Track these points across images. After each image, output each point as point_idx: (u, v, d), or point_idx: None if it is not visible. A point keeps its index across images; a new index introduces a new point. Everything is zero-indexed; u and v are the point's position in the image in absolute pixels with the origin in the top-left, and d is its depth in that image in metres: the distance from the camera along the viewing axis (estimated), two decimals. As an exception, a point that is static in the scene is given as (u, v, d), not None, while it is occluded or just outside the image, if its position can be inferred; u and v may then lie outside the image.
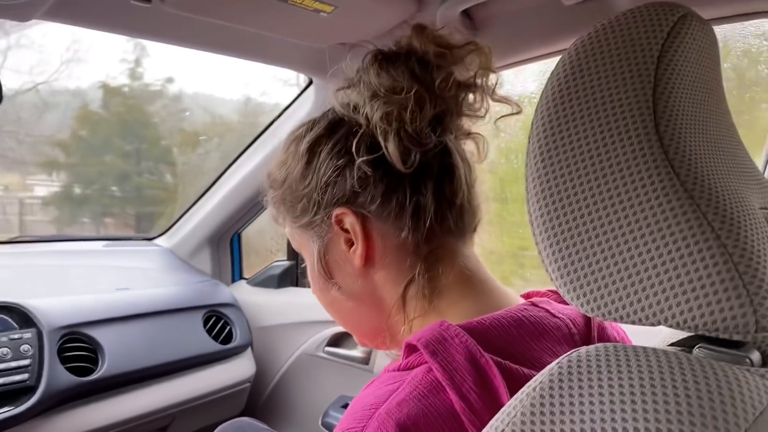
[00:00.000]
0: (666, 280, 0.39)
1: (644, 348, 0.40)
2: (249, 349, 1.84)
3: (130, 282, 1.72)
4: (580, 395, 0.38)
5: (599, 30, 0.45)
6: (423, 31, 0.65)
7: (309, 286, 1.87)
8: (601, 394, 0.37)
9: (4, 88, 1.01)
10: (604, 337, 0.68)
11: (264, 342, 1.89)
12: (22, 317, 1.31)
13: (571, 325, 0.64)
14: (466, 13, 1.12)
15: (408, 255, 0.65)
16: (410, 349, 0.57)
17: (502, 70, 1.20)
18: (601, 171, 0.41)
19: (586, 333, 0.65)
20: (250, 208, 1.87)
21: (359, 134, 0.64)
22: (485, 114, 0.69)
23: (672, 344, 0.48)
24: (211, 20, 1.10)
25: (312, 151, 0.67)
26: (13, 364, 1.23)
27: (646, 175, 0.40)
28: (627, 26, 0.44)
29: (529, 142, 0.46)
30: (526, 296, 0.71)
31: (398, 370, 0.57)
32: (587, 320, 0.67)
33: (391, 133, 0.61)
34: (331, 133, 0.66)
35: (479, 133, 0.70)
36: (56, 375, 1.28)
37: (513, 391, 0.50)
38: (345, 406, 1.58)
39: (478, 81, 0.66)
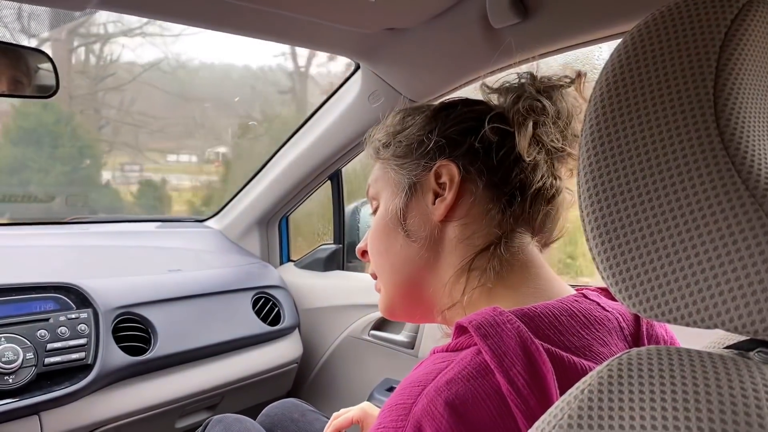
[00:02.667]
0: (724, 282, 0.37)
1: (699, 351, 0.38)
2: (296, 331, 1.87)
3: (182, 263, 1.76)
4: (631, 399, 0.37)
5: (657, 16, 0.43)
6: (582, 77, 0.71)
7: (354, 270, 1.90)
8: (652, 399, 0.36)
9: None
10: (652, 333, 0.68)
11: (310, 324, 1.91)
12: (79, 297, 1.36)
13: (621, 319, 0.65)
14: (518, -4, 1.09)
15: (489, 226, 0.68)
16: (460, 330, 0.58)
17: (554, 55, 1.16)
18: (657, 167, 0.39)
19: (635, 328, 0.66)
20: (298, 192, 1.89)
21: (495, 111, 0.70)
22: None
23: (728, 347, 0.46)
24: (260, 7, 1.10)
25: (444, 108, 0.73)
26: (71, 342, 1.28)
27: (705, 173, 0.37)
28: (687, 12, 0.41)
29: (581, 135, 0.45)
30: (578, 290, 0.71)
31: (447, 350, 0.59)
32: (636, 316, 0.67)
33: (529, 122, 0.66)
34: (467, 105, 0.73)
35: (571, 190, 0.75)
36: (111, 354, 1.33)
37: (560, 377, 0.53)
38: (390, 389, 1.59)
39: None
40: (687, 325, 0.39)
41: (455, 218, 0.69)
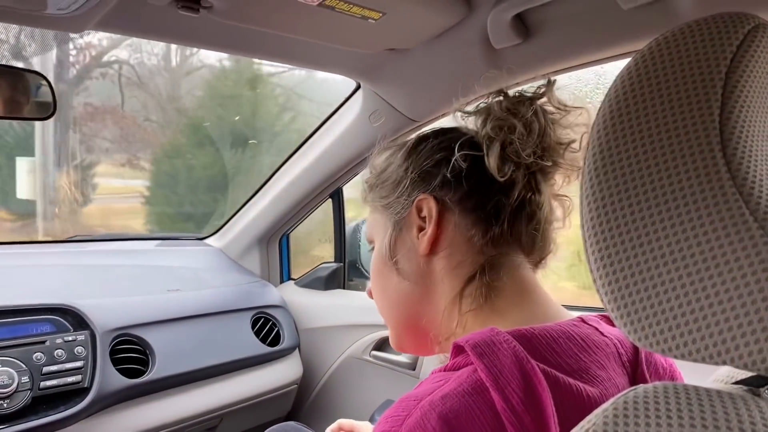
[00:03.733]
0: (733, 318, 0.36)
1: (707, 389, 0.37)
2: (296, 351, 1.85)
3: (181, 282, 1.74)
4: None
5: (662, 41, 0.42)
6: (552, 84, 0.71)
7: (356, 289, 1.88)
8: None
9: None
10: (651, 360, 0.68)
11: (311, 344, 1.89)
12: (76, 319, 1.34)
13: (620, 346, 0.65)
14: (518, 17, 1.08)
15: (473, 252, 0.69)
16: (458, 350, 0.59)
17: (555, 75, 1.16)
18: (663, 197, 0.38)
19: (634, 355, 0.67)
20: (299, 210, 1.88)
21: (466, 137, 0.71)
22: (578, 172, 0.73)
23: (737, 382, 0.45)
24: (262, 29, 1.09)
25: (419, 142, 0.74)
26: (68, 365, 1.26)
27: (712, 203, 0.36)
28: (692, 38, 0.40)
29: (584, 161, 0.44)
30: (578, 316, 0.71)
31: (445, 370, 0.59)
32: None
33: (497, 141, 0.67)
34: (438, 135, 0.74)
35: (567, 196, 0.75)
36: (108, 376, 1.31)
37: (556, 398, 0.53)
38: (391, 411, 1.57)
39: (581, 142, 0.71)
40: (695, 360, 0.38)
41: (440, 250, 0.70)
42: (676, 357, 0.39)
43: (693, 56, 0.40)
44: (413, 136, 0.77)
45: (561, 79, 1.07)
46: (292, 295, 1.96)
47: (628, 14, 0.97)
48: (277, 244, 2.04)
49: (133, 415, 1.36)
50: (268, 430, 1.31)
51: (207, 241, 2.10)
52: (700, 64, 0.39)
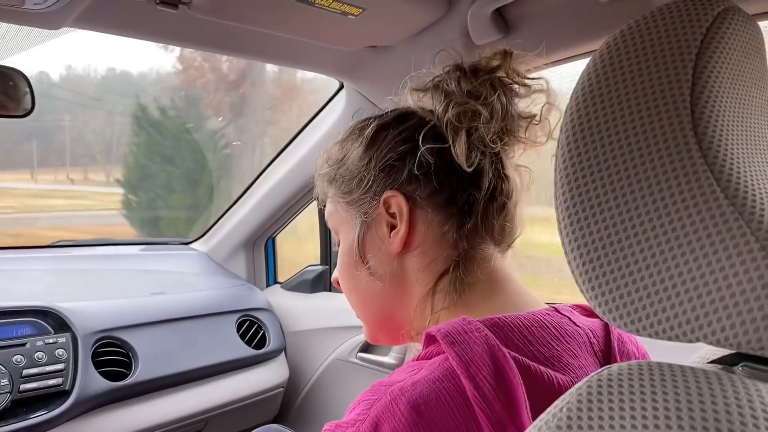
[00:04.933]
0: (705, 294, 0.36)
1: (681, 366, 0.37)
2: (282, 354, 1.84)
3: (166, 286, 1.73)
4: (611, 417, 0.35)
5: (633, 26, 0.42)
6: (509, 55, 0.69)
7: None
8: (633, 417, 0.34)
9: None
10: (623, 350, 0.68)
11: (297, 347, 1.88)
12: (57, 321, 1.33)
13: (591, 336, 0.65)
14: (498, 12, 1.08)
15: (446, 247, 0.67)
16: (430, 339, 0.58)
17: (536, 71, 1.16)
18: (635, 177, 0.39)
19: (606, 346, 0.66)
20: (284, 213, 1.87)
21: (428, 126, 0.67)
22: (545, 141, 0.72)
23: (712, 362, 0.45)
24: (240, 25, 1.09)
25: (377, 135, 0.70)
26: (48, 368, 1.24)
27: (684, 182, 0.37)
28: (663, 22, 0.41)
29: (558, 146, 0.44)
30: (551, 306, 0.71)
31: (417, 359, 0.59)
32: (607, 333, 0.67)
33: (462, 130, 0.65)
34: (399, 123, 0.70)
35: (527, 167, 0.74)
36: (90, 379, 1.29)
37: (528, 387, 0.53)
38: (378, 413, 1.56)
39: (542, 115, 0.70)
40: (669, 339, 0.38)
41: (413, 248, 0.68)
42: (651, 336, 0.39)
43: (664, 38, 0.40)
44: (371, 125, 0.72)
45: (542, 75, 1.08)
46: (278, 298, 1.95)
47: (606, 7, 0.98)
48: (262, 247, 2.03)
49: (115, 418, 1.34)
50: None
51: (192, 245, 2.09)
52: (671, 45, 0.40)
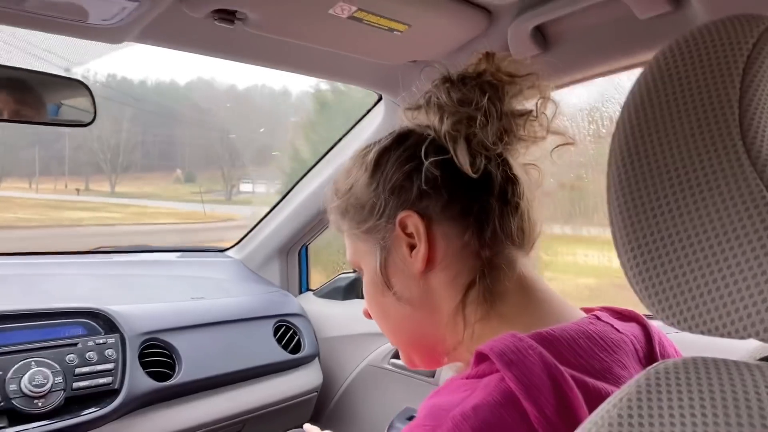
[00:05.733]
0: (757, 293, 0.38)
1: (735, 361, 0.39)
2: (316, 359, 1.87)
3: (204, 291, 1.78)
4: (670, 407, 0.37)
5: (681, 41, 0.45)
6: (492, 57, 0.69)
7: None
8: (691, 407, 0.36)
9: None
10: (665, 354, 0.67)
11: (330, 352, 1.92)
12: (106, 323, 1.38)
13: (635, 341, 0.64)
14: (538, 29, 1.12)
15: (469, 258, 0.66)
16: (481, 357, 0.57)
17: (575, 84, 1.20)
18: (687, 183, 0.41)
19: (648, 350, 0.65)
20: (318, 222, 1.91)
21: (428, 140, 0.67)
22: (545, 135, 0.71)
23: (762, 358, 0.47)
24: (288, 40, 1.14)
25: (380, 159, 0.70)
26: (99, 367, 1.29)
27: (735, 188, 0.39)
28: (711, 37, 0.43)
29: (610, 155, 0.46)
30: (587, 311, 0.70)
31: (468, 378, 0.57)
32: (648, 338, 0.66)
33: (461, 137, 0.64)
34: (399, 144, 0.70)
35: (535, 164, 0.73)
36: (137, 379, 1.34)
37: (586, 402, 0.52)
38: (410, 417, 1.59)
39: (538, 109, 0.69)
40: (721, 335, 0.40)
41: (436, 264, 0.67)
42: (703, 333, 0.40)
43: (712, 54, 0.43)
44: (372, 151, 0.72)
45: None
46: (311, 305, 1.99)
47: (644, 24, 1.01)
48: (296, 255, 2.07)
49: (160, 417, 1.39)
50: None
51: (227, 252, 2.13)
52: (719, 60, 0.42)
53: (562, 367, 0.53)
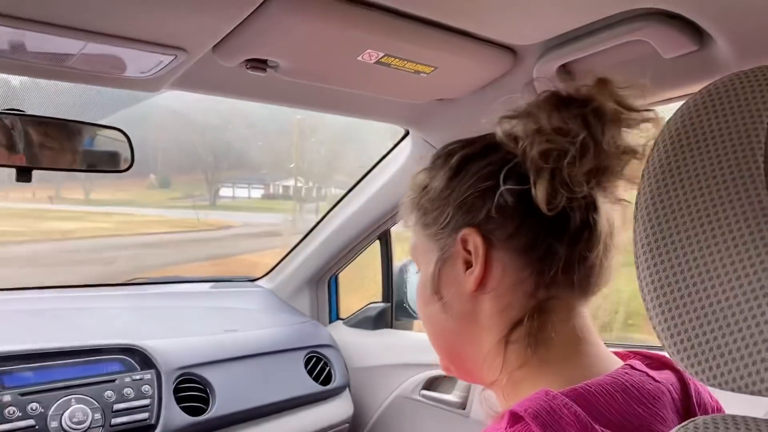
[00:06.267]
0: None
1: (764, 419, 0.39)
2: (347, 390, 1.88)
3: (236, 322, 1.80)
4: None
5: (712, 89, 0.45)
6: (606, 84, 0.63)
7: (403, 328, 1.91)
8: None
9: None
10: (701, 403, 0.66)
11: (361, 383, 1.93)
12: (142, 358, 1.41)
13: (672, 390, 0.62)
14: (563, 67, 1.13)
15: (523, 295, 0.63)
16: (515, 418, 0.55)
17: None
18: (713, 239, 0.41)
19: (685, 398, 0.64)
20: (347, 252, 1.94)
21: (512, 163, 0.63)
22: None
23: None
24: (314, 84, 1.17)
25: (462, 165, 0.67)
26: (136, 403, 1.32)
27: (761, 244, 0.39)
28: (742, 86, 0.44)
29: (637, 201, 0.46)
30: (622, 357, 0.69)
31: None
32: (684, 385, 0.65)
33: (545, 172, 0.60)
34: (485, 155, 0.67)
35: (628, 201, 0.67)
36: (173, 414, 1.37)
37: None
38: (442, 450, 1.59)
39: (647, 149, 0.62)
40: (752, 393, 0.40)
41: (488, 289, 0.64)
42: (733, 390, 0.40)
43: (743, 102, 0.43)
44: (458, 154, 0.68)
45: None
46: (341, 334, 2.01)
47: (670, 62, 1.02)
48: (326, 284, 2.10)
49: (195, 452, 1.41)
50: None
51: (258, 282, 2.17)
52: (750, 109, 0.43)
53: (598, 428, 0.52)
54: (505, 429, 0.56)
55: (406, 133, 1.60)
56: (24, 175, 1.04)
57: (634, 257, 0.46)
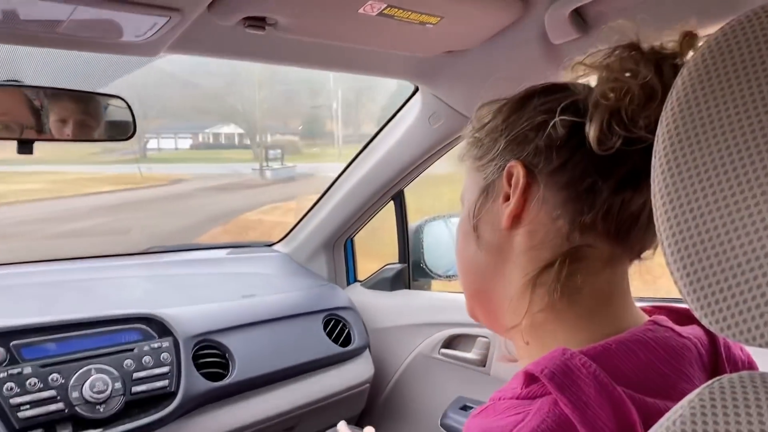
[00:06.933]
0: None
1: None
2: (367, 351, 1.89)
3: (253, 288, 1.80)
4: (726, 429, 0.36)
5: (727, 31, 0.42)
6: (694, 39, 0.57)
7: (421, 288, 1.91)
8: (750, 429, 0.35)
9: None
10: (730, 356, 0.63)
11: (380, 344, 1.93)
12: (160, 327, 1.42)
13: (699, 345, 0.59)
14: (576, 12, 1.08)
15: (556, 234, 0.60)
16: (531, 378, 0.53)
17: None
18: (737, 182, 0.38)
19: (713, 353, 0.61)
20: (362, 214, 1.92)
21: (572, 98, 0.60)
22: None
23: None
24: (320, 41, 1.13)
25: (524, 100, 0.65)
26: (155, 371, 1.33)
27: None
28: (761, 24, 0.41)
29: (654, 151, 0.44)
30: (648, 312, 0.66)
31: (518, 398, 0.54)
32: (712, 339, 0.62)
33: (604, 108, 0.56)
34: (548, 93, 0.64)
35: None
36: (192, 381, 1.38)
37: (646, 425, 0.48)
38: (464, 407, 1.59)
39: None
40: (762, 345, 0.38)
41: (522, 225, 0.61)
42: (761, 345, 0.38)
43: (762, 42, 0.40)
44: (523, 90, 0.66)
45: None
46: (359, 296, 2.00)
47: (688, 1, 0.96)
48: (342, 247, 2.09)
49: (216, 416, 1.43)
50: None
51: (275, 247, 2.16)
52: None
53: (619, 388, 0.50)
54: (521, 389, 0.54)
55: (416, 90, 1.56)
56: (25, 147, 1.03)
57: (653, 205, 0.43)
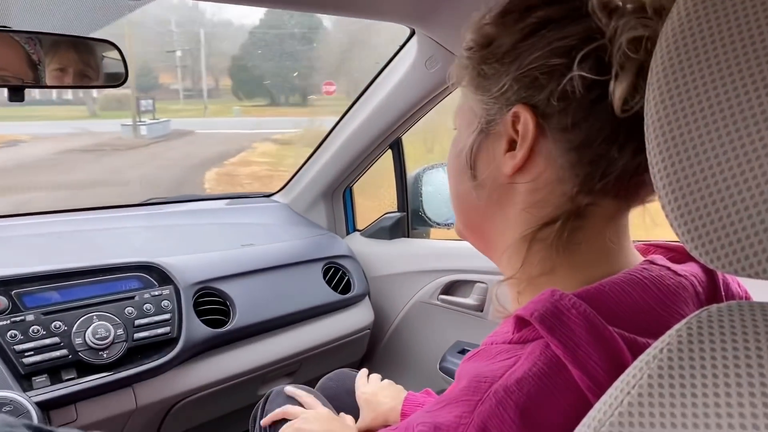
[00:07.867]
0: None
1: None
2: (367, 298, 1.91)
3: (253, 237, 1.81)
4: (713, 357, 0.36)
5: None
6: None
7: (419, 236, 1.91)
8: (736, 357, 0.35)
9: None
10: (729, 292, 0.62)
11: (380, 291, 1.95)
12: (160, 275, 1.43)
13: (696, 283, 0.58)
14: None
15: (561, 194, 0.56)
16: (522, 322, 0.52)
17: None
18: (732, 119, 0.37)
19: (712, 290, 0.60)
20: (360, 162, 1.91)
21: (595, 44, 0.52)
22: None
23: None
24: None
25: (538, 27, 0.56)
26: (157, 318, 1.35)
27: None
28: None
29: (648, 88, 0.42)
30: (643, 251, 0.65)
31: (510, 343, 0.53)
32: (711, 276, 0.61)
33: (632, 64, 0.49)
34: (567, 24, 0.54)
35: None
36: (194, 327, 1.40)
37: None
38: (462, 351, 1.62)
39: None
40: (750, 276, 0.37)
41: (525, 179, 0.58)
42: (750, 276, 0.37)
43: None
44: (537, 13, 0.56)
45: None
46: (358, 245, 2.01)
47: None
48: (341, 197, 2.09)
49: (218, 362, 1.45)
50: (324, 377, 1.30)
51: (274, 197, 2.16)
52: None
53: (610, 327, 0.49)
54: (512, 334, 0.54)
55: (412, 34, 1.53)
56: (16, 94, 1.02)
57: (645, 139, 0.43)
